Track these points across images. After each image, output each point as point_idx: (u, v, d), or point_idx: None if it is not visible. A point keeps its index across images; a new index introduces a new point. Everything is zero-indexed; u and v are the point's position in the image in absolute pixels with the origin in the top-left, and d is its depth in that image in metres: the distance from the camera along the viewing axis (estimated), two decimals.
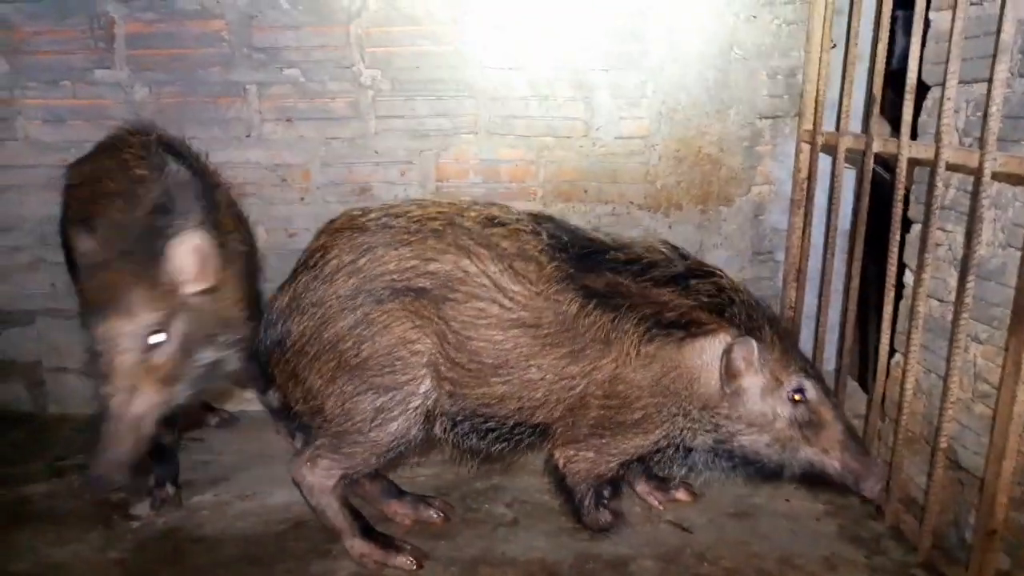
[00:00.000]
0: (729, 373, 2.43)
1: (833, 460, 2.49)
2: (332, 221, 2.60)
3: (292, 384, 2.53)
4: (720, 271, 2.60)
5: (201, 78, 3.46)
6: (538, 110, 3.53)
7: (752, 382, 2.46)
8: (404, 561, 2.55)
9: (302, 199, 3.60)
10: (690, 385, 2.48)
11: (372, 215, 2.53)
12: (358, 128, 3.53)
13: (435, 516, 2.86)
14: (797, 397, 2.48)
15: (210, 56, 3.44)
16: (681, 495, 2.97)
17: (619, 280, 2.47)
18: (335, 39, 3.42)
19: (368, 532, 2.60)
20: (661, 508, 2.93)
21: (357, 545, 2.58)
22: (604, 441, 2.56)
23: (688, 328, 2.45)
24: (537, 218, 2.59)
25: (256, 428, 3.60)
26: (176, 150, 2.82)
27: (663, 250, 2.60)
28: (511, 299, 2.41)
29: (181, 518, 2.90)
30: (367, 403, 2.43)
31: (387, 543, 2.59)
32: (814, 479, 2.63)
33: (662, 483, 2.98)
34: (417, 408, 2.46)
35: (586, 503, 2.70)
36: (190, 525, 2.86)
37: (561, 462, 2.64)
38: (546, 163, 3.60)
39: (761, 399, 2.48)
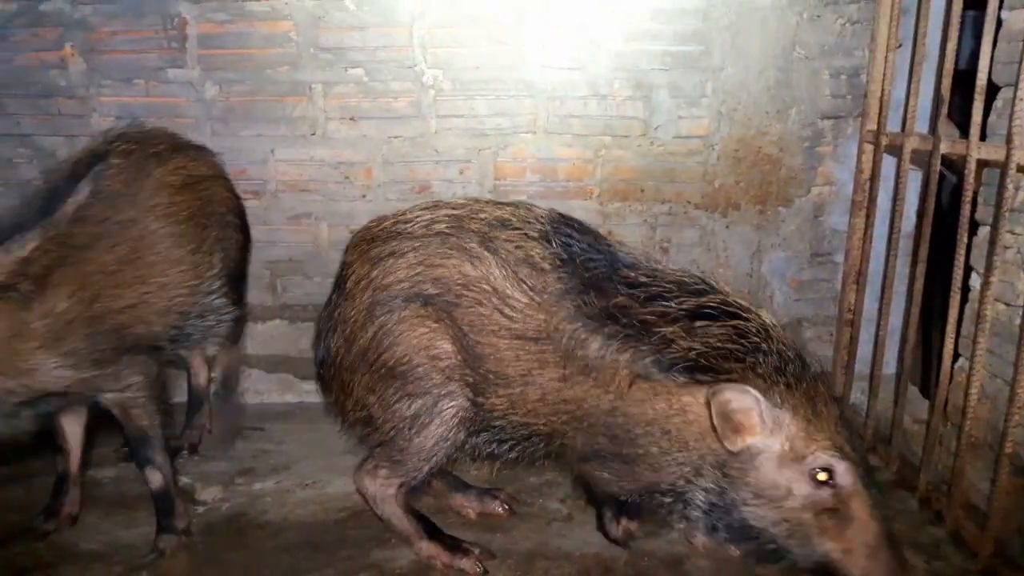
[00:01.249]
0: (729, 427, 2.07)
1: (854, 567, 2.06)
2: (354, 235, 2.64)
3: (343, 397, 2.57)
4: (751, 312, 2.23)
5: (269, 77, 3.56)
6: (597, 109, 3.55)
7: (766, 445, 2.09)
8: (470, 564, 2.54)
9: (364, 196, 3.67)
10: (703, 437, 2.17)
11: (385, 224, 2.53)
12: (419, 127, 3.59)
13: (500, 509, 2.88)
14: (822, 477, 2.07)
15: (278, 56, 3.54)
16: (731, 548, 2.57)
17: (623, 304, 2.23)
18: (399, 40, 3.49)
19: (434, 534, 2.61)
20: (702, 551, 2.65)
21: (425, 547, 2.59)
22: (616, 467, 2.37)
23: (693, 373, 2.14)
24: (556, 222, 2.44)
25: (315, 419, 3.68)
26: (100, 170, 2.69)
27: (685, 280, 2.30)
28: (512, 308, 2.31)
29: (244, 504, 2.99)
30: (404, 410, 2.43)
31: (454, 546, 2.58)
32: None
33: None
34: (453, 412, 2.42)
35: (606, 513, 2.67)
36: (253, 511, 2.95)
37: (585, 473, 2.53)
38: (603, 162, 3.62)
39: (777, 468, 2.10)
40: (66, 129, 3.65)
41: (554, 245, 2.36)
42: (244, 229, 3.30)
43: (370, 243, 2.51)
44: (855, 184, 3.44)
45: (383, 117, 3.58)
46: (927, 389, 3.64)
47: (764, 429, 2.07)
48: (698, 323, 2.18)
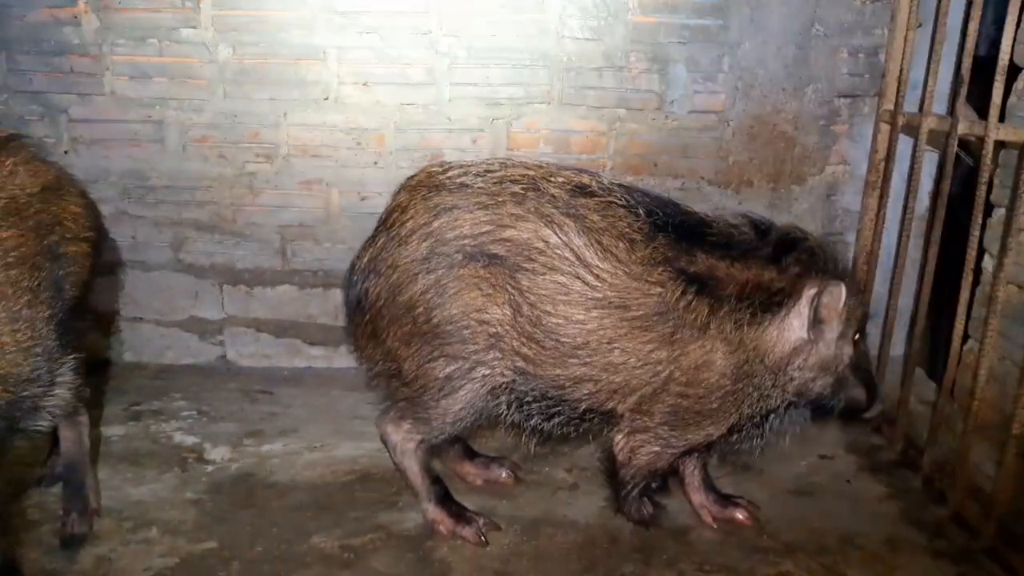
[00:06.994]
0: (816, 319, 2.36)
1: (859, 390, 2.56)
2: (412, 177, 2.55)
3: (372, 345, 2.51)
4: (803, 231, 2.53)
5: (283, 40, 3.52)
6: (612, 81, 3.52)
7: (833, 328, 2.40)
8: (471, 533, 2.55)
9: (375, 163, 3.66)
10: (764, 359, 2.39)
11: (452, 172, 2.44)
12: (433, 95, 3.56)
13: (505, 476, 2.90)
14: (857, 338, 2.49)
15: (292, 19, 3.49)
16: (740, 515, 2.71)
17: (717, 263, 2.36)
18: (414, 5, 3.45)
19: (444, 500, 2.61)
20: (713, 525, 2.69)
21: (431, 510, 2.59)
22: (675, 433, 2.48)
23: (781, 306, 2.37)
24: (629, 190, 2.44)
25: (323, 384, 3.71)
26: None
27: (756, 224, 2.52)
28: (597, 276, 2.29)
29: (252, 464, 3.01)
30: (438, 370, 2.40)
31: (459, 514, 2.59)
32: None
33: (720, 499, 2.75)
34: (484, 378, 2.41)
35: (634, 494, 2.63)
36: (261, 471, 2.97)
37: (624, 453, 2.56)
38: (617, 135, 3.60)
39: (836, 344, 2.43)
40: (79, 87, 3.62)
41: (640, 212, 2.37)
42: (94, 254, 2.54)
43: (433, 190, 2.42)
44: (870, 164, 3.43)
45: (397, 83, 3.55)
46: (932, 371, 3.66)
47: (834, 316, 2.40)
48: (787, 254, 2.42)
